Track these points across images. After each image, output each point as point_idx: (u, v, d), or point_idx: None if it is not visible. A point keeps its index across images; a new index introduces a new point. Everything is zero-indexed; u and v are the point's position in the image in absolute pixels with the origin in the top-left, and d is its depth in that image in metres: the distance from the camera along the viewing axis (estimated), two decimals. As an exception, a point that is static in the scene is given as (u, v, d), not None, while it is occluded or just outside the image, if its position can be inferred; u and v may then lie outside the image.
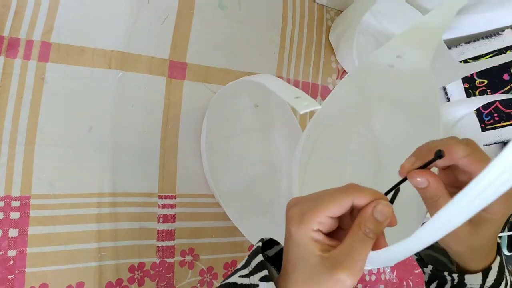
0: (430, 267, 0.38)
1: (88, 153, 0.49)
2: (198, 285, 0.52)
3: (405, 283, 0.67)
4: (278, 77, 0.62)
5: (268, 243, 0.34)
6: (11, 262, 0.43)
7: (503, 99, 0.73)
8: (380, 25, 0.70)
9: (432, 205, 0.32)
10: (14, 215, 0.44)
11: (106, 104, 0.50)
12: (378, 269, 0.66)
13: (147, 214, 0.51)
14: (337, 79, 0.67)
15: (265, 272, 0.29)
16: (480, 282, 0.34)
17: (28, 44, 0.47)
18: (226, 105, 0.55)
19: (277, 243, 0.35)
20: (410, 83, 0.47)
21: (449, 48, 0.74)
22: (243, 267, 0.31)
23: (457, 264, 0.37)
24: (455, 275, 0.36)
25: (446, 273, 0.36)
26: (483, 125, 0.75)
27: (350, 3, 0.65)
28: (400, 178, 0.32)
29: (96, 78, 0.50)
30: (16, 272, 0.43)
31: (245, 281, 0.30)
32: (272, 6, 0.63)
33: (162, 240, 0.51)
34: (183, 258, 0.52)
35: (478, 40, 0.72)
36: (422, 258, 0.40)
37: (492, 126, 0.75)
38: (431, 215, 0.30)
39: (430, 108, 0.44)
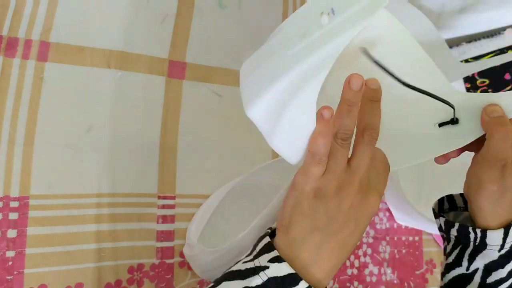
0: (457, 225, 0.39)
1: (87, 153, 0.48)
2: (198, 286, 0.52)
3: (406, 284, 0.67)
4: (278, 77, 0.61)
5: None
6: (10, 263, 0.43)
7: (504, 99, 0.73)
8: (380, 25, 0.70)
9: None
10: (13, 216, 0.44)
11: (105, 104, 0.50)
12: (379, 270, 0.65)
13: (146, 214, 0.51)
14: (337, 79, 0.67)
15: (275, 253, 0.28)
16: (500, 242, 0.36)
17: (27, 43, 0.47)
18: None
19: None
20: None
21: (450, 47, 0.73)
22: (247, 255, 0.30)
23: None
24: (478, 231, 0.37)
25: (470, 229, 0.37)
26: (484, 125, 0.75)
27: (351, 3, 0.65)
28: None
29: (95, 78, 0.50)
30: (15, 273, 0.43)
31: (249, 265, 0.29)
32: (272, 5, 0.63)
33: (162, 241, 0.51)
34: (182, 259, 0.52)
35: (479, 39, 0.72)
36: (448, 222, 0.41)
37: (493, 126, 0.75)
38: None
39: None
